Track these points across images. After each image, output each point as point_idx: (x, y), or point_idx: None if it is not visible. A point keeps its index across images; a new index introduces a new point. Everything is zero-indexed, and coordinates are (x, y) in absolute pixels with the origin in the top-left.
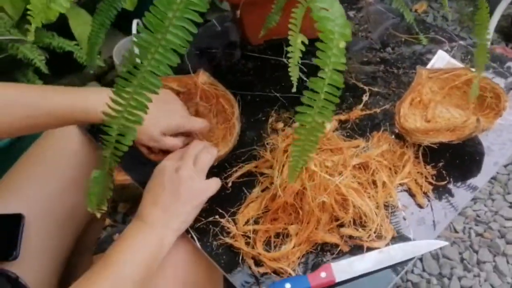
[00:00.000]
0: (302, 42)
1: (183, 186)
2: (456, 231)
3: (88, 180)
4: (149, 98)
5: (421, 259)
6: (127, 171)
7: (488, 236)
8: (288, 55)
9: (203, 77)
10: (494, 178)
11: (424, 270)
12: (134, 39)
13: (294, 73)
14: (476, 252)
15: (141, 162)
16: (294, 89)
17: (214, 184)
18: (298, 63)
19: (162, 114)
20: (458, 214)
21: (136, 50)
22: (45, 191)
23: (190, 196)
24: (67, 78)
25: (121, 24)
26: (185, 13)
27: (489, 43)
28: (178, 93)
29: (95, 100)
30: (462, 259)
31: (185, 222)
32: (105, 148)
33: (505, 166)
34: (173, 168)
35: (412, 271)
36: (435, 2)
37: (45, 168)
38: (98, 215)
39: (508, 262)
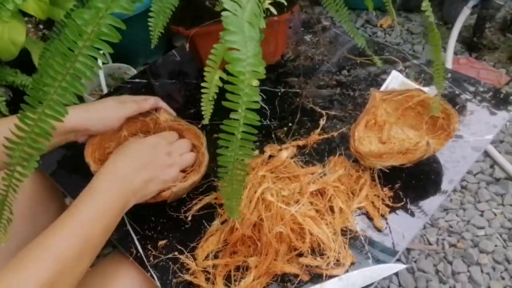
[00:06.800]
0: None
1: (166, 171)
2: (430, 243)
3: None
4: (53, 126)
5: (396, 274)
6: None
7: (461, 246)
8: (202, 90)
9: (164, 116)
10: (464, 187)
11: (400, 285)
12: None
13: (207, 109)
14: (451, 263)
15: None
16: (206, 122)
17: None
18: (213, 98)
19: (119, 106)
20: (431, 225)
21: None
22: None
23: (163, 180)
24: None
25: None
26: (95, 42)
27: (450, 58)
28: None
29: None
30: (437, 271)
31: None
32: (7, 175)
33: (475, 175)
34: (165, 149)
35: (389, 287)
36: (400, 17)
37: None
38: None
39: (482, 272)
